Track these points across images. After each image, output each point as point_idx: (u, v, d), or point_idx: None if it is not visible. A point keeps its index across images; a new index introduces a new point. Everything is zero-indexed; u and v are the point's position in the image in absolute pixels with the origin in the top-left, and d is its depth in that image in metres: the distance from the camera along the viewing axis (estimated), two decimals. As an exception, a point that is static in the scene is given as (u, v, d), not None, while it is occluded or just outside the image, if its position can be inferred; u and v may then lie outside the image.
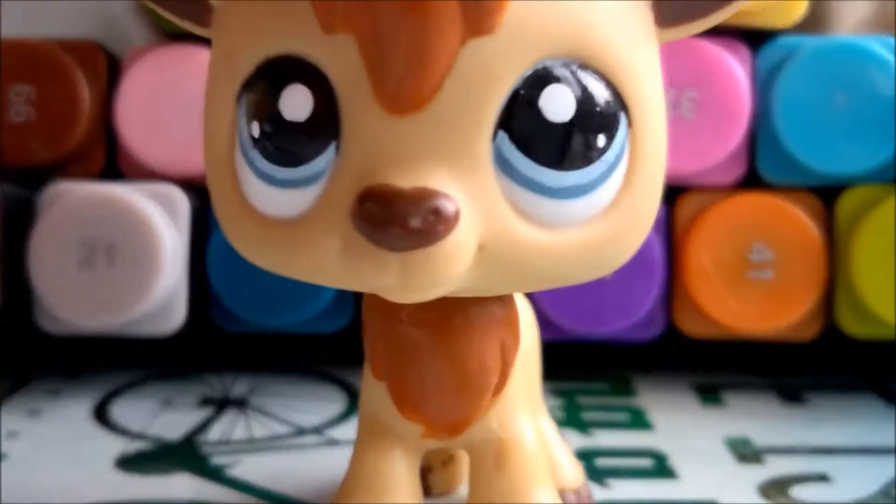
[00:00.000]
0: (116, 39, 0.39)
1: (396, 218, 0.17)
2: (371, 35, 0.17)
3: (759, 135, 0.33)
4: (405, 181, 0.17)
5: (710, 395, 0.34)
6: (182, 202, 0.33)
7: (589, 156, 0.18)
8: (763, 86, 0.33)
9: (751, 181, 0.34)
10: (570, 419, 0.32)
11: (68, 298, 0.32)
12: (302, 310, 0.34)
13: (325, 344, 0.36)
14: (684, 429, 0.31)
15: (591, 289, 0.32)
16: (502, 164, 0.18)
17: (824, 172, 0.33)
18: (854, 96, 0.32)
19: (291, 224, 0.18)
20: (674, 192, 0.34)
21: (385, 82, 0.17)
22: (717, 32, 0.33)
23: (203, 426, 0.31)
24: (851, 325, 0.33)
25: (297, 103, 0.18)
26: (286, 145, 0.18)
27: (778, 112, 0.32)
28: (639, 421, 0.32)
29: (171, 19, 0.20)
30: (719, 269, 0.33)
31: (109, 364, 0.36)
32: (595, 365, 0.37)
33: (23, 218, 0.33)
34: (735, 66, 0.33)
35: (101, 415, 0.32)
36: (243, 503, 0.26)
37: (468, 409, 0.21)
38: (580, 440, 0.30)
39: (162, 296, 0.32)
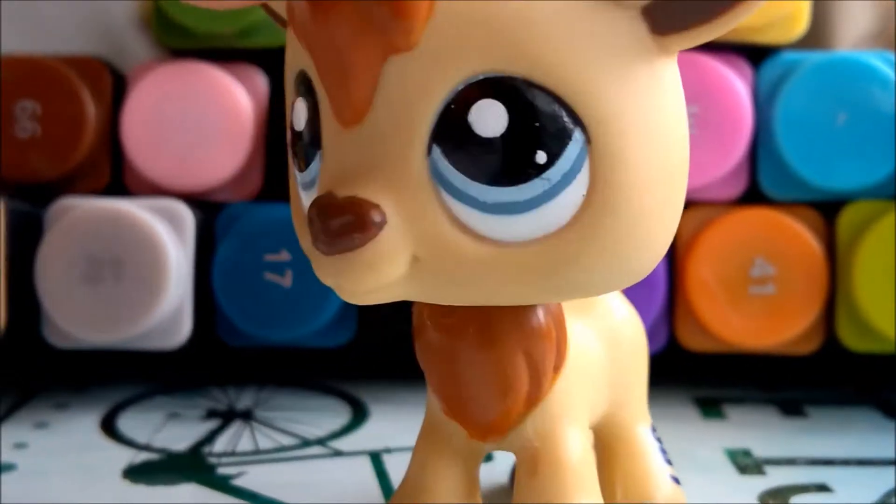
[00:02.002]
0: (120, 56, 0.39)
1: (325, 225, 0.18)
2: (313, 47, 0.18)
3: (760, 150, 0.33)
4: (342, 191, 0.18)
5: (711, 408, 0.34)
6: (187, 218, 0.33)
7: (525, 172, 0.17)
8: (764, 102, 0.33)
9: (752, 196, 0.34)
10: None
11: (75, 313, 0.32)
12: (306, 324, 0.34)
13: (329, 358, 0.36)
14: (686, 440, 0.31)
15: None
16: (439, 177, 0.18)
17: (825, 188, 0.33)
18: (855, 112, 0.32)
19: None
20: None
21: (331, 95, 0.18)
22: (718, 48, 0.33)
23: (209, 438, 0.31)
24: (852, 339, 0.33)
25: (299, 115, 0.19)
26: (296, 152, 0.19)
27: (779, 128, 0.33)
28: (641, 433, 0.32)
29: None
30: (721, 283, 0.33)
31: (116, 378, 0.37)
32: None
33: (29, 233, 0.33)
34: (736, 82, 0.33)
35: (108, 427, 0.32)
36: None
37: (497, 414, 0.21)
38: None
39: (167, 310, 0.32)
